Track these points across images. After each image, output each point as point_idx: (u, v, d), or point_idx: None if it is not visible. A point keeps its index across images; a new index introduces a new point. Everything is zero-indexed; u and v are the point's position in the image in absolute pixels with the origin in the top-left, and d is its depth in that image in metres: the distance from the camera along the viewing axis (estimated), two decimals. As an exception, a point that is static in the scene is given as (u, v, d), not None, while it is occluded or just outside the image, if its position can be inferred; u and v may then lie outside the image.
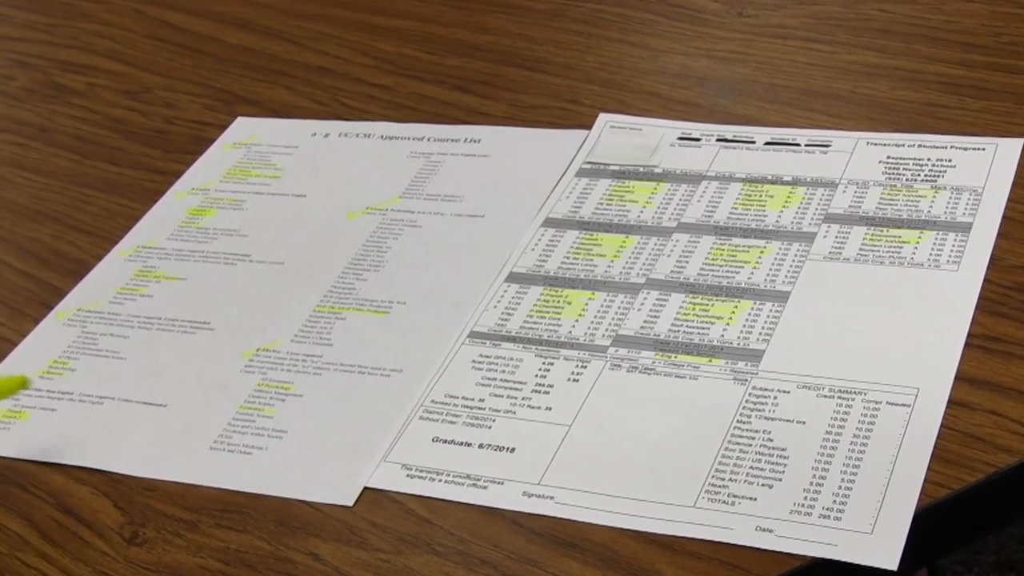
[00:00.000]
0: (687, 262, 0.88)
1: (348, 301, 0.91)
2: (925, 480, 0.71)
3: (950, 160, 0.91)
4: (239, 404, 0.85)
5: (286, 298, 0.93)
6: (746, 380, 0.79)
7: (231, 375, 0.88)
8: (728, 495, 0.73)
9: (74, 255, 1.00)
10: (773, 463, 0.74)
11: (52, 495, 0.81)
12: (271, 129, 1.09)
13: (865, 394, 0.76)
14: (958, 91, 0.98)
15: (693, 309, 0.84)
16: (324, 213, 1.00)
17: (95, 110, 1.15)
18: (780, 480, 0.73)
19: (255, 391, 0.86)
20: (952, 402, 0.75)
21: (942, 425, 0.74)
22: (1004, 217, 0.86)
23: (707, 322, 0.83)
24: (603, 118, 1.01)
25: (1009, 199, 0.87)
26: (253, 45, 1.20)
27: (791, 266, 0.86)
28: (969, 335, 0.79)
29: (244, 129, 1.10)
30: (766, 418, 0.76)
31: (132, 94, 1.16)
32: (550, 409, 0.80)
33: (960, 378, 0.77)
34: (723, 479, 0.74)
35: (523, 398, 0.81)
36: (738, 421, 0.76)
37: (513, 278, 0.89)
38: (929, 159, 0.91)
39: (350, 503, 0.78)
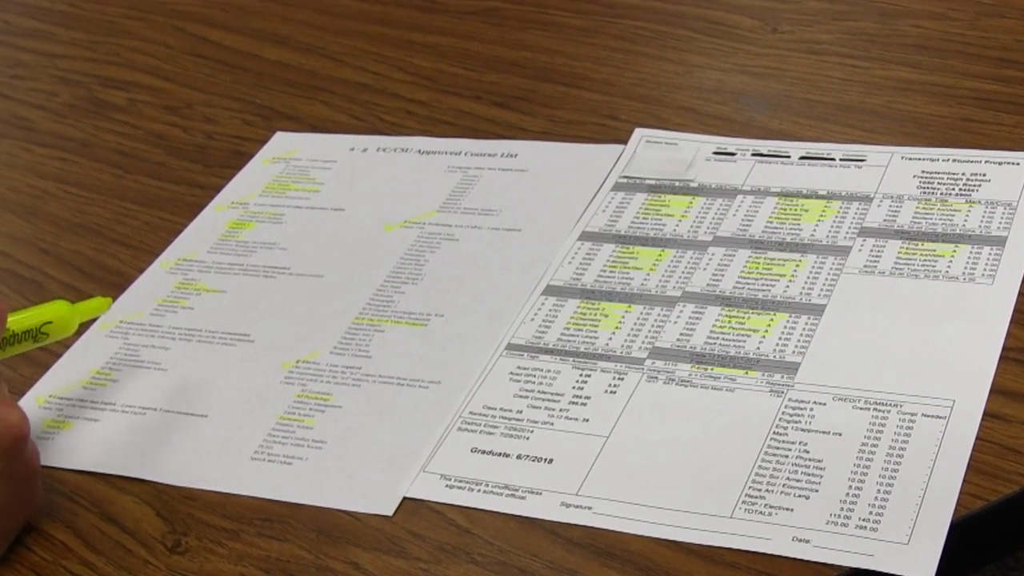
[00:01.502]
0: (723, 275, 0.88)
1: (386, 314, 0.92)
2: (960, 492, 0.72)
3: (984, 175, 0.91)
4: (279, 415, 0.86)
5: (325, 311, 0.94)
6: (782, 392, 0.79)
7: (271, 386, 0.89)
8: (765, 505, 0.73)
9: (115, 267, 1.01)
10: (810, 474, 0.74)
11: (95, 504, 0.82)
12: (310, 144, 1.11)
13: (901, 406, 0.77)
14: (993, 106, 0.98)
15: (729, 322, 0.85)
16: (362, 227, 1.01)
17: (137, 125, 1.16)
18: (817, 491, 0.73)
19: (295, 402, 0.87)
20: (988, 414, 0.76)
21: (978, 437, 0.74)
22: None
23: (743, 335, 0.84)
24: (639, 133, 1.02)
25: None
26: (292, 61, 1.21)
27: (826, 279, 0.86)
28: (1005, 348, 0.79)
29: (283, 144, 1.11)
30: (802, 430, 0.77)
31: (173, 110, 1.18)
32: (587, 420, 0.81)
33: (996, 391, 0.77)
34: (760, 490, 0.74)
35: (560, 409, 0.82)
36: (775, 433, 0.77)
37: (550, 291, 0.90)
38: (963, 174, 0.92)
39: (390, 513, 0.78)
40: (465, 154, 1.05)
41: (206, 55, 1.24)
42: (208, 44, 1.26)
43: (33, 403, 0.90)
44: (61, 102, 1.21)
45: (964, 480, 0.72)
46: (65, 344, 0.95)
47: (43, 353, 0.93)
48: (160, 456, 0.85)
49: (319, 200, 1.04)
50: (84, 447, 0.87)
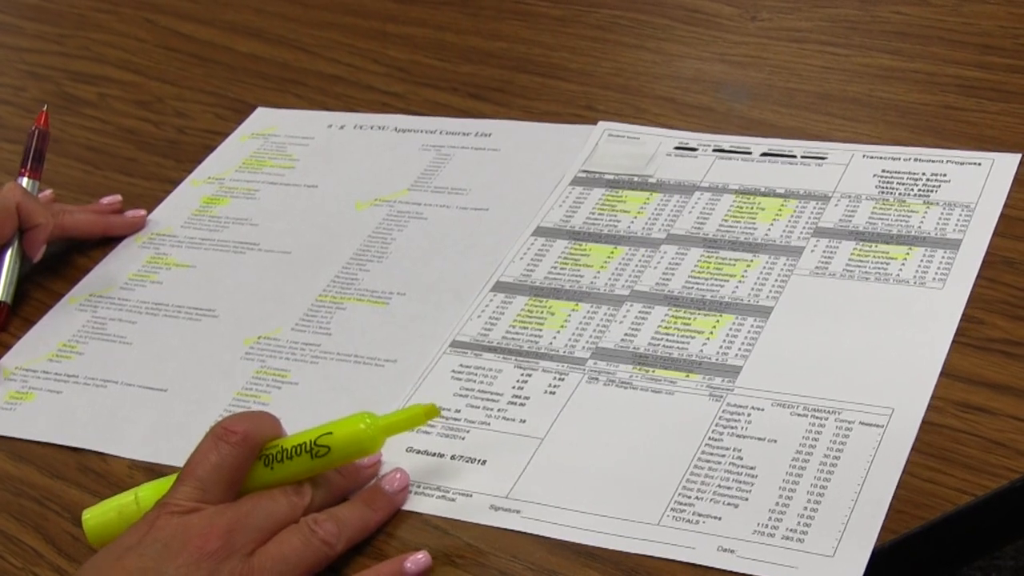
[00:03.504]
0: (673, 274, 0.87)
1: (349, 291, 0.92)
2: (890, 508, 0.70)
3: (945, 175, 0.89)
4: (236, 391, 0.87)
5: (291, 287, 0.94)
6: (721, 396, 0.78)
7: (232, 362, 0.89)
8: (693, 513, 0.72)
9: (85, 265, 1.01)
10: (741, 482, 0.73)
11: (66, 509, 0.81)
12: (289, 120, 1.11)
13: (839, 413, 0.75)
14: (976, 93, 0.96)
15: (675, 323, 0.84)
16: (334, 204, 1.01)
17: (107, 120, 1.15)
18: (747, 500, 0.72)
19: (253, 378, 0.87)
20: (975, 408, 0.74)
21: (964, 431, 0.73)
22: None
23: (687, 336, 0.82)
24: (601, 126, 1.01)
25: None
26: (264, 54, 1.20)
27: (776, 281, 0.85)
28: (991, 339, 0.78)
29: (263, 120, 1.11)
30: (738, 436, 0.75)
31: (144, 104, 1.17)
32: (524, 421, 0.80)
33: (982, 383, 0.76)
34: (690, 497, 0.73)
35: (499, 409, 0.81)
36: (710, 438, 0.76)
37: (499, 287, 0.89)
38: (924, 174, 0.90)
39: None
40: (440, 132, 1.05)
41: (177, 48, 1.23)
42: (179, 37, 1.25)
43: (1, 375, 0.92)
44: (29, 97, 1.20)
45: (897, 488, 0.70)
46: (34, 316, 0.96)
47: (13, 325, 0.95)
48: (119, 429, 0.86)
49: (294, 176, 1.05)
50: (44, 419, 0.88)
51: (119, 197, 1.04)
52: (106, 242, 1.02)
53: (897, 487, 0.71)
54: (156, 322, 0.94)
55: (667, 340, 0.82)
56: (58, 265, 1.00)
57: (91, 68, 1.23)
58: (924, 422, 0.74)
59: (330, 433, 0.74)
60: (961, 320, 0.79)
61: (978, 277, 0.82)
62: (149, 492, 0.75)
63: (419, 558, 0.72)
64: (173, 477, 0.74)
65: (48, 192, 1.04)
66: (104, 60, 1.23)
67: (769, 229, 0.88)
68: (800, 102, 1.00)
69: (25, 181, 1.00)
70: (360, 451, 0.75)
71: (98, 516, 0.75)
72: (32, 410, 0.89)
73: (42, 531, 0.80)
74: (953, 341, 0.78)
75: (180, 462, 0.80)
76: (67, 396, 0.89)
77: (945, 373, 0.77)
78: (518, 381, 0.82)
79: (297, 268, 0.96)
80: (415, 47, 1.16)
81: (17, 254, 0.97)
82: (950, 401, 0.75)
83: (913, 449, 0.73)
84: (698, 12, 1.12)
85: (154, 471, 0.81)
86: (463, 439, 0.79)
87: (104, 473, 0.83)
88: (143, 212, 1.03)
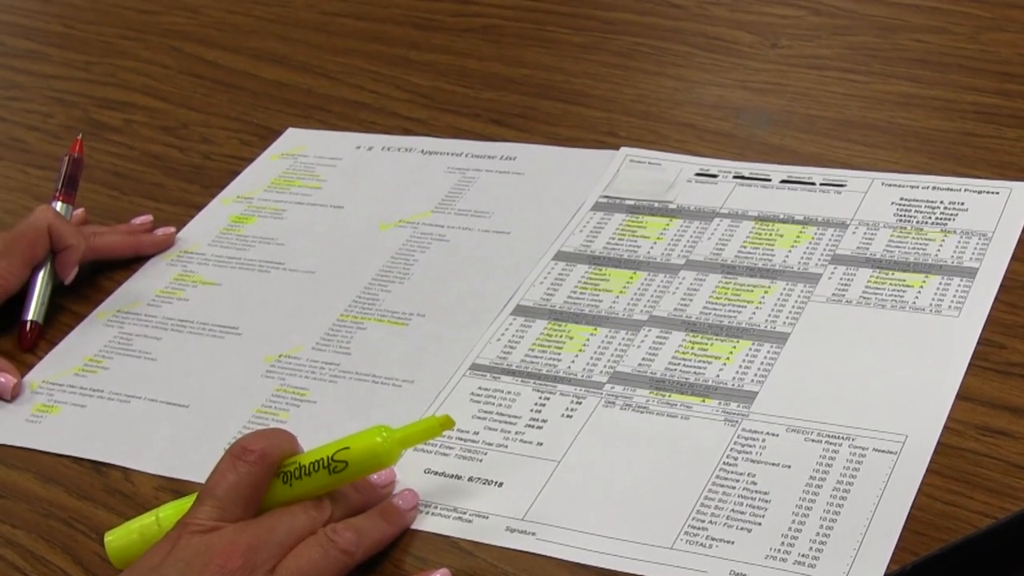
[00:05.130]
0: (691, 300, 0.88)
1: (371, 312, 0.93)
2: (904, 528, 0.70)
3: (963, 203, 0.90)
4: (256, 408, 0.88)
5: (313, 306, 0.95)
6: (737, 422, 0.79)
7: (252, 379, 0.90)
8: (707, 537, 0.73)
9: (109, 288, 1.02)
10: (755, 507, 0.74)
11: (94, 530, 0.82)
12: (318, 141, 1.12)
13: (852, 440, 0.76)
14: (995, 120, 0.97)
15: (692, 348, 0.84)
16: (359, 224, 1.02)
17: (132, 146, 1.16)
18: (760, 524, 0.73)
19: (272, 396, 0.88)
20: (995, 431, 0.75)
21: (984, 455, 0.73)
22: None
23: (704, 361, 0.83)
24: (623, 152, 1.02)
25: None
26: (289, 80, 1.21)
27: (793, 307, 0.85)
28: (1011, 364, 0.78)
29: (292, 140, 1.13)
30: (752, 461, 0.76)
31: (169, 130, 1.18)
32: (541, 444, 0.80)
33: (1003, 407, 0.76)
34: (703, 521, 0.73)
35: (516, 432, 0.82)
36: (724, 463, 0.76)
37: (520, 311, 0.90)
38: (942, 202, 0.90)
39: None
40: (466, 155, 1.06)
41: (202, 75, 1.24)
42: (204, 64, 1.26)
43: (28, 388, 0.93)
44: (56, 123, 1.21)
45: (909, 516, 0.71)
46: (63, 330, 0.97)
47: (38, 346, 0.97)
48: (140, 444, 0.87)
49: (320, 197, 1.06)
50: (68, 432, 0.89)
51: (150, 217, 1.05)
52: (134, 260, 1.03)
53: (916, 509, 0.71)
54: (181, 339, 0.95)
55: (684, 365, 0.83)
56: (82, 286, 1.01)
57: (117, 94, 1.24)
58: (944, 445, 0.75)
59: (347, 448, 0.74)
60: (981, 344, 0.80)
61: (998, 302, 0.82)
62: (170, 512, 0.76)
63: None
64: (193, 497, 0.74)
65: (80, 211, 1.05)
66: (130, 87, 1.25)
67: (787, 256, 0.89)
68: (820, 128, 1.00)
69: (59, 205, 1.02)
70: (377, 464, 0.75)
71: (121, 538, 0.76)
72: (57, 423, 0.90)
73: (70, 552, 0.81)
74: (973, 365, 0.79)
75: (198, 477, 0.82)
76: (91, 410, 0.91)
77: (965, 397, 0.77)
78: (536, 404, 0.83)
79: (320, 287, 0.97)
80: (438, 73, 1.17)
81: (49, 275, 0.99)
82: (970, 424, 0.76)
83: (933, 472, 0.73)
84: (719, 39, 1.13)
85: (179, 492, 0.82)
86: (480, 461, 0.80)
87: (131, 495, 0.84)
88: (172, 229, 1.04)
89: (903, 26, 1.09)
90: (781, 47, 1.10)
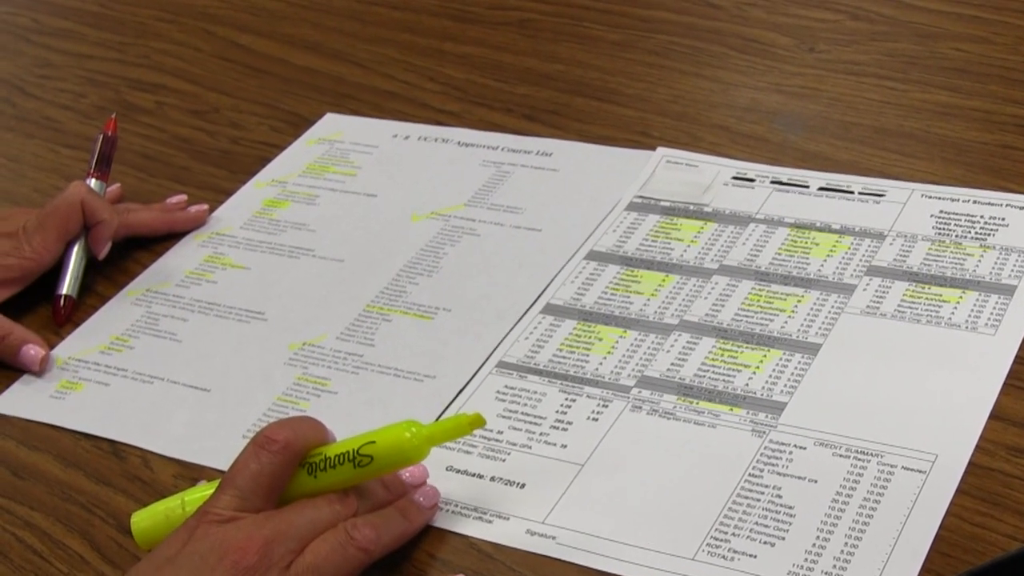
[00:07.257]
0: (723, 306, 0.86)
1: (397, 304, 0.93)
2: (931, 549, 0.69)
3: (1003, 219, 0.88)
4: (276, 396, 0.87)
5: (340, 295, 0.95)
6: (764, 432, 0.78)
7: (275, 366, 0.90)
8: (729, 550, 0.72)
9: (135, 272, 1.01)
10: (779, 520, 0.73)
11: (112, 515, 0.82)
12: (355, 127, 1.11)
13: (881, 456, 0.74)
14: None
15: (722, 355, 0.83)
16: (390, 214, 1.02)
17: (162, 128, 1.16)
18: (784, 539, 0.72)
19: (294, 384, 0.88)
20: None
21: (1014, 476, 0.72)
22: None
23: (734, 369, 0.82)
24: (660, 152, 1.00)
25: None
26: (320, 68, 1.20)
27: (826, 318, 0.84)
28: None
29: (330, 125, 1.12)
30: (778, 473, 0.75)
31: (199, 114, 1.17)
32: (565, 447, 0.79)
33: None
34: (726, 533, 0.72)
35: (541, 433, 0.81)
36: (750, 474, 0.75)
37: (549, 310, 0.89)
38: (982, 216, 0.89)
39: None
40: (502, 149, 1.05)
41: (235, 59, 1.24)
42: (237, 48, 1.25)
43: (54, 364, 0.93)
44: (89, 103, 1.21)
45: (936, 537, 0.70)
46: (88, 311, 0.97)
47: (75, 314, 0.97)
48: (159, 425, 0.87)
49: (354, 184, 1.05)
50: (89, 411, 0.89)
51: (184, 197, 1.05)
52: (165, 240, 1.03)
53: (944, 530, 0.70)
54: (207, 321, 0.95)
55: (713, 372, 0.82)
56: (110, 267, 1.01)
57: (150, 76, 1.23)
58: (974, 465, 0.74)
59: (373, 442, 0.73)
60: (1017, 364, 0.79)
61: (1036, 321, 0.81)
62: (196, 496, 0.75)
63: None
64: (217, 482, 0.74)
65: (116, 186, 1.05)
66: (162, 69, 1.24)
67: (822, 265, 0.88)
68: (856, 136, 0.99)
69: (93, 183, 1.01)
70: (404, 460, 0.74)
71: (147, 519, 0.76)
72: (79, 401, 0.90)
73: (88, 537, 0.81)
74: (1007, 385, 0.78)
75: (212, 462, 0.83)
76: (114, 389, 0.90)
77: (998, 417, 0.76)
78: (562, 405, 0.82)
79: (348, 276, 0.96)
80: (471, 66, 1.16)
81: (83, 250, 0.98)
82: (1002, 445, 0.75)
83: (962, 492, 0.72)
84: (755, 41, 1.12)
85: (196, 479, 0.81)
86: (504, 461, 0.79)
87: (150, 481, 0.83)
88: (205, 207, 1.04)
89: (943, 34, 1.08)
90: (818, 51, 1.09)
